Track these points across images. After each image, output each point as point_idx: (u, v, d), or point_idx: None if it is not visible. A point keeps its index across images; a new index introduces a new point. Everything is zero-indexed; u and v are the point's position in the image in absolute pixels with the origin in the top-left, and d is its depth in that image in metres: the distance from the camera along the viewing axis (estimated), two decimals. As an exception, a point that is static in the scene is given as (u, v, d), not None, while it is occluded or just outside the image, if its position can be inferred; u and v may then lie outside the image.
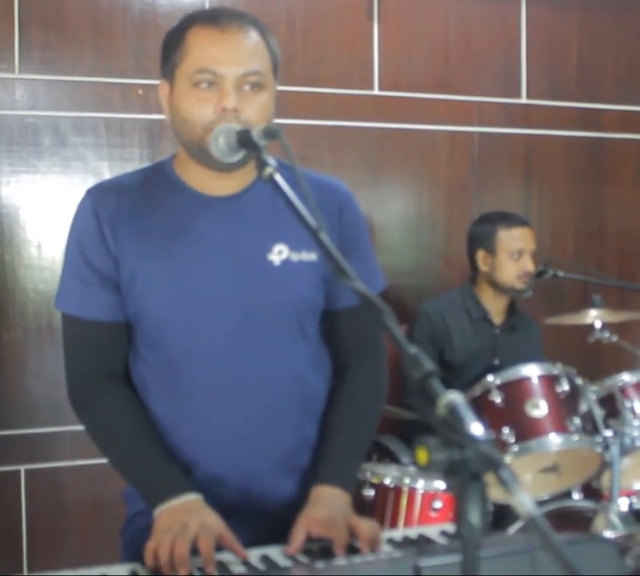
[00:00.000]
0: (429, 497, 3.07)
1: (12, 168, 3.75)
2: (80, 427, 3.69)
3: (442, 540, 1.86)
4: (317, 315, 2.05)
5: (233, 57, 1.84)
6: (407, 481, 3.10)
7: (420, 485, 3.09)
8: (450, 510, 3.08)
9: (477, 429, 1.12)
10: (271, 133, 1.65)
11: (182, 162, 1.99)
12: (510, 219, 3.91)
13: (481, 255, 3.91)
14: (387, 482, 3.11)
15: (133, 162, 3.85)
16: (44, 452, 3.82)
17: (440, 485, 3.10)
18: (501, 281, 3.85)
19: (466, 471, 1.10)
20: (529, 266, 3.83)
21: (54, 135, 3.78)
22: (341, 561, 1.68)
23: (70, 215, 3.70)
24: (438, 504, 3.06)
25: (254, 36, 1.88)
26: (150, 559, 1.70)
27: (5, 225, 3.75)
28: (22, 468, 3.79)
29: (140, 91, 3.84)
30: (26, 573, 3.76)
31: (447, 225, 4.43)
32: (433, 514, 3.07)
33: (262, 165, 1.60)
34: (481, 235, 3.94)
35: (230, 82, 1.82)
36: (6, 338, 3.77)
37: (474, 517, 1.10)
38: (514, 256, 3.83)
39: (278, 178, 1.58)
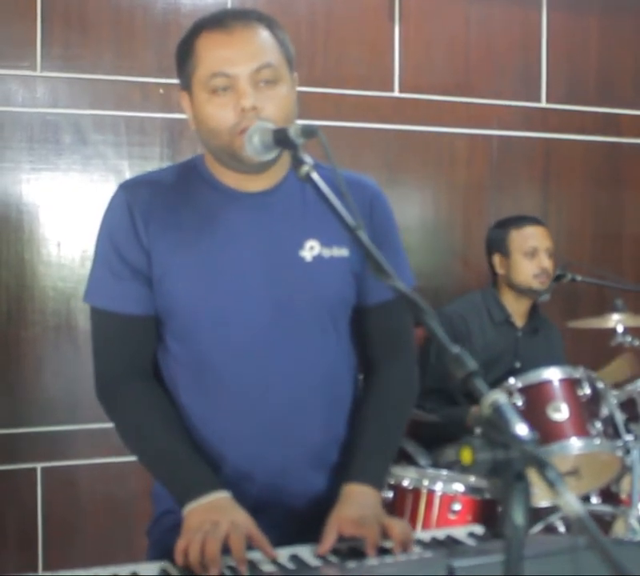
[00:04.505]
0: (448, 499, 3.06)
1: (32, 165, 3.75)
2: (97, 425, 3.76)
3: (470, 541, 1.86)
4: (348, 311, 2.04)
5: (242, 55, 1.84)
6: (426, 483, 3.09)
7: (439, 487, 3.08)
8: (468, 512, 3.07)
9: (521, 429, 1.11)
10: (309, 131, 1.64)
11: (211, 161, 1.99)
12: (521, 220, 3.92)
13: (497, 259, 3.91)
14: (406, 483, 3.10)
15: (153, 161, 3.86)
16: (60, 450, 3.82)
17: (459, 487, 3.09)
18: (517, 281, 3.84)
19: (510, 471, 1.10)
20: (545, 263, 3.82)
21: (74, 133, 3.79)
22: (372, 561, 1.68)
23: (90, 213, 3.75)
24: (456, 506, 3.04)
25: (260, 31, 1.88)
26: (180, 558, 1.69)
27: (25, 222, 3.76)
28: (39, 466, 3.79)
29: (161, 90, 3.85)
30: (40, 571, 3.76)
31: (465, 227, 4.43)
32: (451, 517, 3.05)
33: (298, 163, 1.60)
34: (495, 240, 3.95)
35: (245, 80, 1.82)
36: (25, 335, 3.77)
37: (518, 517, 1.09)
38: (528, 254, 3.82)
39: (315, 176, 1.58)
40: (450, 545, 1.82)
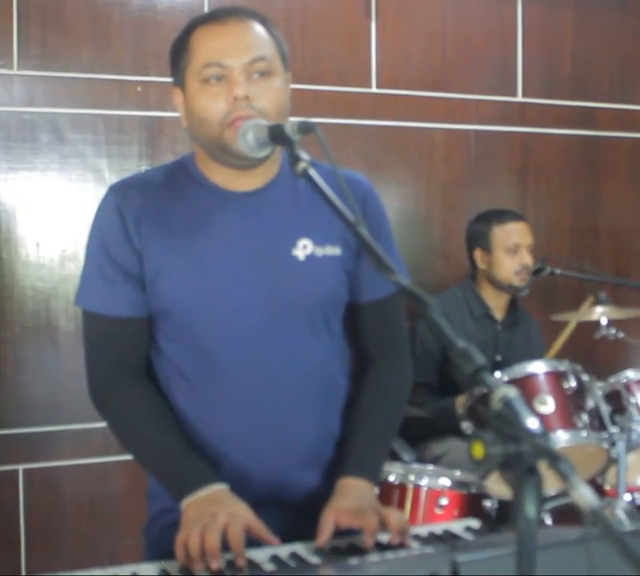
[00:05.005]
0: (434, 494, 3.08)
1: (9, 165, 3.71)
2: (78, 426, 3.74)
3: (468, 535, 1.86)
4: (341, 309, 2.05)
5: (237, 47, 1.84)
6: (412, 478, 3.11)
7: (425, 482, 3.10)
8: (455, 507, 3.09)
9: (532, 422, 1.11)
10: (306, 127, 1.64)
11: (202, 159, 1.98)
12: (503, 215, 3.93)
13: (478, 254, 3.92)
14: (392, 479, 3.12)
15: (131, 159, 3.84)
16: (42, 451, 3.79)
17: (445, 482, 3.10)
18: (499, 278, 3.85)
19: (522, 465, 1.10)
20: (526, 259, 3.84)
21: (52, 132, 3.75)
22: (373, 557, 1.67)
23: (68, 212, 3.73)
24: (443, 501, 3.06)
25: (255, 26, 1.89)
26: (180, 552, 1.68)
27: (2, 222, 3.72)
28: (20, 467, 3.76)
29: (139, 88, 3.81)
30: (24, 573, 3.74)
31: (444, 222, 4.44)
32: (438, 511, 3.07)
33: (295, 160, 1.59)
34: (476, 234, 3.96)
35: (238, 71, 1.83)
36: (4, 335, 3.74)
37: (531, 510, 1.10)
38: (510, 251, 3.84)
39: (313, 172, 1.58)
40: (449, 540, 1.82)
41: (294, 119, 1.73)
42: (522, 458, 1.10)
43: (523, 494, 1.10)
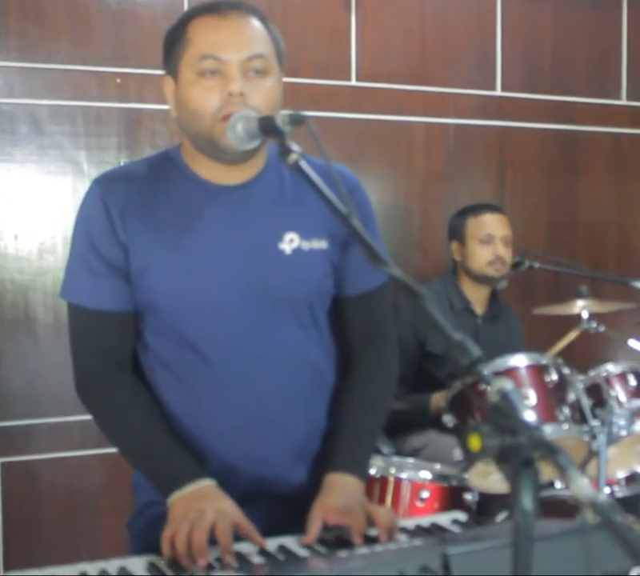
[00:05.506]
0: (415, 487, 3.08)
1: (-12, 156, 3.70)
2: (56, 419, 3.72)
3: (455, 528, 1.86)
4: (327, 303, 2.05)
5: (235, 41, 1.83)
6: (393, 471, 3.11)
7: (406, 475, 3.10)
8: (436, 500, 3.09)
9: (529, 415, 1.11)
10: (297, 119, 1.63)
11: (188, 151, 1.97)
12: (479, 208, 3.96)
13: (454, 246, 3.96)
14: (373, 472, 3.11)
15: (110, 151, 3.81)
16: (20, 444, 3.77)
17: (426, 475, 3.10)
18: (473, 268, 3.87)
19: (518, 457, 1.10)
20: (500, 250, 3.85)
21: (30, 123, 3.73)
22: (363, 550, 1.67)
23: (47, 204, 3.70)
24: (424, 494, 3.06)
25: (254, 22, 1.88)
26: (166, 548, 1.68)
27: (-20, 214, 3.70)
28: (-2, 461, 3.75)
29: (117, 80, 3.78)
30: (1, 567, 3.72)
31: (423, 215, 4.45)
32: (419, 504, 3.07)
33: (286, 151, 1.58)
34: (453, 227, 4.00)
35: (235, 66, 1.81)
36: (-18, 329, 3.72)
37: (527, 502, 1.10)
38: (483, 242, 3.85)
39: (304, 164, 1.57)
40: (437, 532, 1.82)
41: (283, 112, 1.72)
42: (519, 451, 1.10)
43: (520, 487, 1.10)
